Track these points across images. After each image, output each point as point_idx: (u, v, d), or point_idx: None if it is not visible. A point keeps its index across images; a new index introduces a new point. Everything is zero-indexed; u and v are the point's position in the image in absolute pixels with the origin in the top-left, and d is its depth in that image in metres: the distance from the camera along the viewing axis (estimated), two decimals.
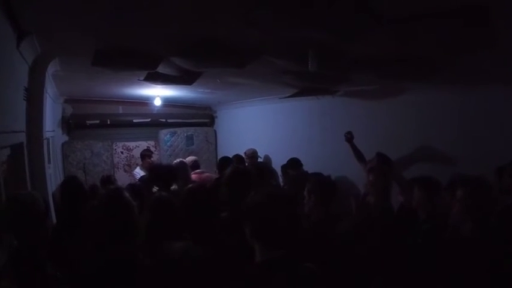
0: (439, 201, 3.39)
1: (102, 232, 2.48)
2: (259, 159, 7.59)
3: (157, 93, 7.45)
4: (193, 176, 5.97)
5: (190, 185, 3.55)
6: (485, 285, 2.44)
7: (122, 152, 9.38)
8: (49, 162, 5.34)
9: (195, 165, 6.40)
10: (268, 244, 1.98)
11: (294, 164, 6.20)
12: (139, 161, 8.46)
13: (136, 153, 9.17)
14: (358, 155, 5.52)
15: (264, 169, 4.76)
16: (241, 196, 2.31)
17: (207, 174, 6.33)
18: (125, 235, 2.46)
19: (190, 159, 6.58)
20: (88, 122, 8.75)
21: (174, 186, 4.66)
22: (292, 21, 2.72)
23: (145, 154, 7.92)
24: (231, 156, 6.67)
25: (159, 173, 4.72)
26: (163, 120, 9.62)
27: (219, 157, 9.47)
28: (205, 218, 2.92)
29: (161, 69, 4.24)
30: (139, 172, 7.69)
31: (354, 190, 5.74)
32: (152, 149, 9.38)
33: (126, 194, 2.68)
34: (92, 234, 2.58)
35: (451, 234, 2.96)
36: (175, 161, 5.85)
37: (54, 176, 6.03)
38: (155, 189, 4.74)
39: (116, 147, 9.20)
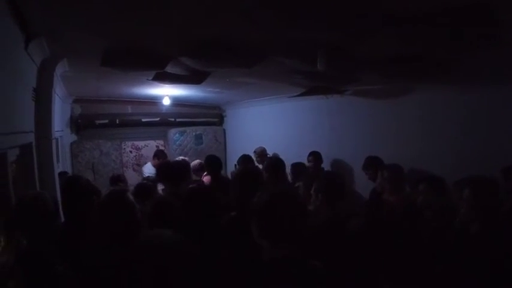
0: (445, 200, 3.36)
1: (105, 233, 2.48)
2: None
3: (166, 93, 7.45)
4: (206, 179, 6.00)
5: (191, 186, 3.54)
6: (493, 285, 2.42)
7: (130, 151, 9.43)
8: (58, 162, 5.36)
9: (200, 167, 6.34)
10: (275, 243, 1.98)
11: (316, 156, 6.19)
12: (148, 160, 8.48)
13: (146, 152, 9.21)
14: None
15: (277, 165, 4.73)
16: (250, 195, 2.30)
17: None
18: (128, 236, 2.45)
19: (196, 162, 6.54)
20: (97, 121, 8.77)
21: None
22: (300, 21, 2.71)
23: (160, 155, 7.90)
24: (239, 156, 6.67)
25: (167, 172, 4.68)
26: (172, 119, 9.62)
27: (228, 156, 9.49)
28: (206, 219, 2.91)
29: (170, 68, 4.24)
30: (149, 168, 7.73)
31: (363, 188, 5.73)
32: (161, 148, 9.41)
33: (128, 195, 2.67)
34: (95, 235, 2.58)
35: (458, 234, 2.94)
36: (176, 159, 5.83)
37: None
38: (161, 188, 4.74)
39: (124, 147, 9.25)
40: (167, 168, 4.75)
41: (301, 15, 2.60)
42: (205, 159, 5.98)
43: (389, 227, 2.35)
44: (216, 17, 2.78)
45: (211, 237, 2.76)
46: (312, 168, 5.97)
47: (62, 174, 5.45)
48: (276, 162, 4.66)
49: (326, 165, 6.45)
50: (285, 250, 1.95)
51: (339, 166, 6.50)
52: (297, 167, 6.07)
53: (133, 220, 2.55)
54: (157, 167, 5.41)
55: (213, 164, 5.70)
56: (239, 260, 2.41)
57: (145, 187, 4.19)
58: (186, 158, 6.07)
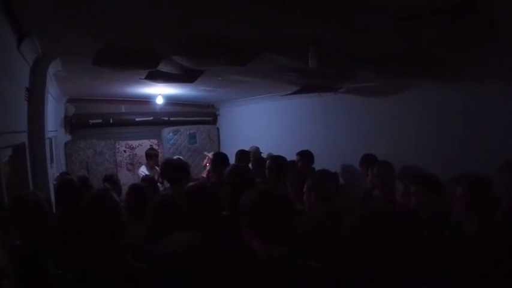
0: (440, 199, 3.36)
1: (90, 233, 2.47)
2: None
3: (160, 92, 7.44)
4: None
5: (191, 183, 3.53)
6: (489, 285, 2.41)
7: (124, 151, 9.37)
8: (52, 162, 5.35)
9: None
10: (266, 242, 1.97)
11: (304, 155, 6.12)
12: (142, 160, 8.43)
13: (139, 151, 9.16)
14: None
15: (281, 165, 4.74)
16: (242, 194, 2.30)
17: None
18: (112, 235, 2.44)
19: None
20: (91, 121, 8.76)
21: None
22: (294, 19, 2.72)
23: (153, 153, 7.87)
24: (233, 155, 6.62)
25: (171, 171, 4.54)
26: (166, 118, 9.63)
27: None
28: (207, 215, 2.91)
29: (162, 67, 4.24)
30: (144, 171, 7.65)
31: (357, 186, 5.74)
32: (155, 147, 9.37)
33: (112, 194, 2.66)
34: (81, 235, 2.57)
35: (452, 233, 2.92)
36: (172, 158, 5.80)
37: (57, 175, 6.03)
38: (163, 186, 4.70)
39: (118, 146, 9.20)
40: (171, 167, 4.68)
41: (296, 12, 2.60)
42: (213, 156, 6.03)
43: (378, 224, 2.35)
44: (210, 14, 2.78)
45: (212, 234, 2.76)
46: (301, 168, 5.93)
47: (62, 175, 5.45)
48: (280, 162, 4.68)
49: (321, 164, 6.44)
50: (278, 249, 1.94)
51: (333, 164, 6.50)
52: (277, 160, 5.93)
53: (117, 219, 2.53)
54: (162, 166, 5.33)
55: (221, 160, 5.64)
56: (233, 259, 2.41)
57: (140, 188, 4.16)
58: (182, 158, 6.01)
